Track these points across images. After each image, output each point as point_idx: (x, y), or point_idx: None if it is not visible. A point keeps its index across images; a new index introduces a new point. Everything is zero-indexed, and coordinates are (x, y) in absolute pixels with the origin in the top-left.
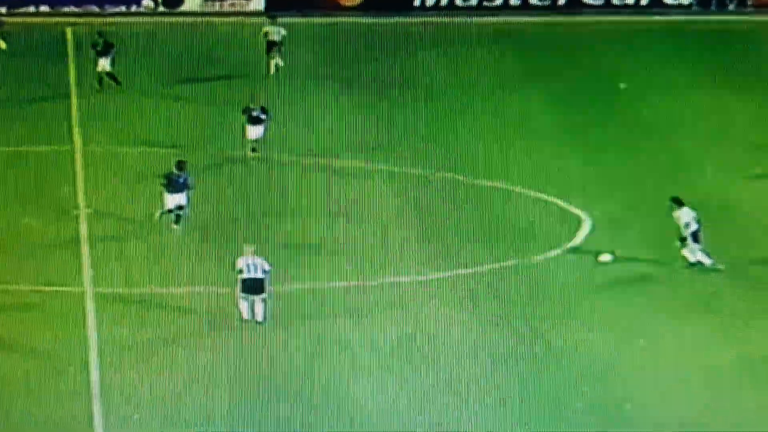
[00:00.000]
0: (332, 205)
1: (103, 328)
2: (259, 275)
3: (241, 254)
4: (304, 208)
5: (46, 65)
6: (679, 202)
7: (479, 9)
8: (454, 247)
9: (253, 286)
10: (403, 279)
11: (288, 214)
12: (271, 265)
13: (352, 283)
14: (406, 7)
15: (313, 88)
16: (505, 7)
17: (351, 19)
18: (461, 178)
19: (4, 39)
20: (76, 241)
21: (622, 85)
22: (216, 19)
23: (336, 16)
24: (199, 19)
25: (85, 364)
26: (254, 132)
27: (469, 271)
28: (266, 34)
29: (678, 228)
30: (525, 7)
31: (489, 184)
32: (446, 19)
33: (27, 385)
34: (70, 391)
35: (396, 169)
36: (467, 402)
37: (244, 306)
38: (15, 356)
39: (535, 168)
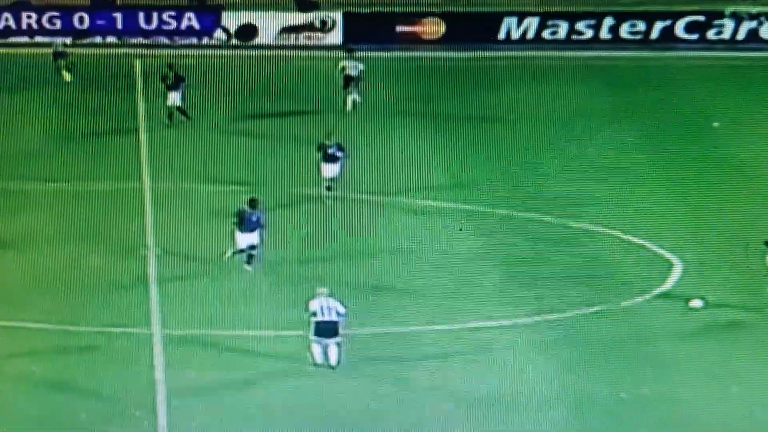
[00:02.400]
0: (410, 246)
1: (171, 372)
2: (333, 318)
3: (315, 296)
4: (380, 249)
5: (113, 98)
6: None
7: (568, 42)
8: (538, 291)
9: (327, 330)
10: (484, 323)
11: (364, 255)
12: (345, 307)
13: (430, 327)
14: (490, 40)
15: (392, 125)
16: (595, 41)
17: (432, 53)
18: (547, 218)
19: (69, 71)
20: (143, 281)
21: (715, 124)
22: (291, 53)
23: (416, 49)
24: (273, 52)
25: (153, 409)
26: (330, 170)
27: (554, 316)
28: (343, 68)
29: None
30: (616, 41)
31: (575, 225)
32: (532, 53)
33: (90, 430)
34: None
35: (478, 209)
36: None
37: (317, 350)
38: (80, 400)
39: (625, 209)
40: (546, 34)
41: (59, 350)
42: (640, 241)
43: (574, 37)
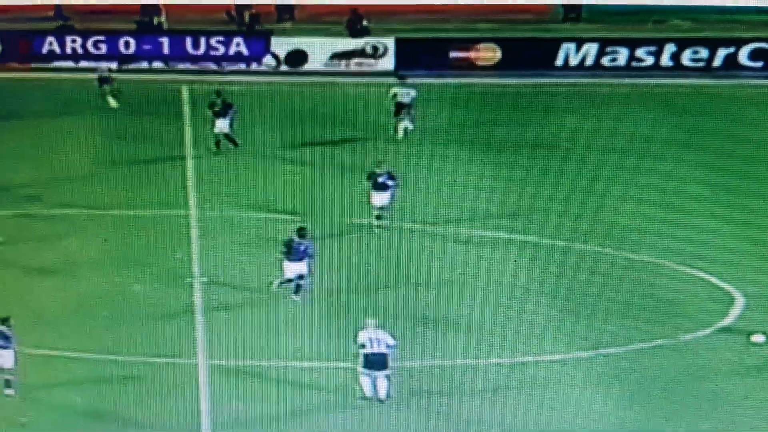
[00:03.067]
0: (463, 277)
1: (216, 403)
2: (383, 350)
3: (364, 328)
4: (432, 280)
5: (159, 125)
6: None
7: (628, 69)
8: (595, 325)
9: (376, 362)
10: (538, 358)
11: (415, 286)
12: (395, 339)
13: (482, 360)
14: (547, 67)
15: (445, 153)
16: (656, 68)
17: (487, 80)
18: (604, 250)
19: (115, 97)
20: (189, 310)
21: None
22: (341, 79)
23: (470, 76)
24: (323, 78)
25: None
26: (380, 199)
27: (611, 350)
28: (395, 95)
29: None
30: (678, 68)
31: (634, 257)
32: (591, 80)
33: None
34: None
35: (534, 240)
36: None
37: (366, 382)
38: (124, 430)
39: (686, 240)
40: (605, 60)
41: (101, 380)
42: (701, 274)
43: (635, 64)
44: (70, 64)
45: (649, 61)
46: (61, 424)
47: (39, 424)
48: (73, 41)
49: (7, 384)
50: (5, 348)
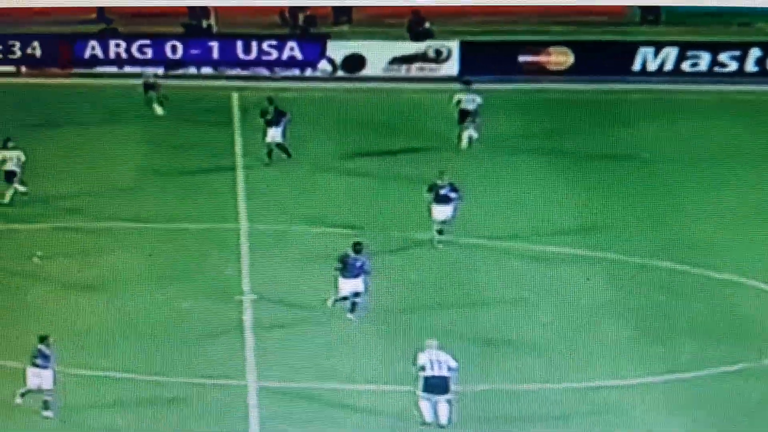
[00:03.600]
0: (531, 296)
1: (266, 427)
2: (444, 373)
3: (424, 349)
4: (497, 299)
5: (208, 134)
6: None
7: (710, 75)
8: (673, 347)
9: (437, 385)
10: (611, 382)
11: (478, 305)
12: (457, 362)
13: (550, 384)
14: (624, 72)
15: (512, 164)
16: (740, 74)
17: (558, 85)
18: (683, 267)
19: (161, 104)
20: (238, 328)
21: None
22: (402, 85)
23: (540, 81)
24: (382, 84)
25: None
26: (442, 212)
27: (690, 374)
28: (459, 101)
29: None
30: (763, 74)
31: (715, 274)
32: (670, 87)
33: None
34: None
35: (607, 256)
36: None
37: (426, 407)
38: None
39: None
40: (686, 65)
41: (145, 402)
42: None
43: (717, 69)
44: (113, 69)
45: (733, 66)
46: None
47: None
48: (117, 45)
49: (46, 405)
50: (44, 368)
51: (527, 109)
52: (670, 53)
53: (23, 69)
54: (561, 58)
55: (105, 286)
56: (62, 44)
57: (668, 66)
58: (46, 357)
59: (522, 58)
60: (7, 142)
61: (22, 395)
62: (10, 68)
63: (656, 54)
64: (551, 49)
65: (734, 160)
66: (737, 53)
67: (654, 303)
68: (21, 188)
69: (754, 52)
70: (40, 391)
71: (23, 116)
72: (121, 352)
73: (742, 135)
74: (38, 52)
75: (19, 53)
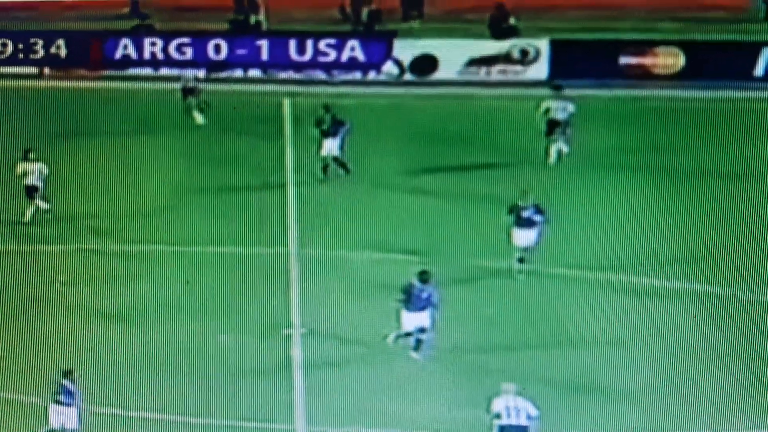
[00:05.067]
0: (625, 335)
1: None
2: (523, 422)
3: (500, 394)
4: (586, 338)
5: (255, 146)
6: None
7: None
8: None
9: None
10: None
11: (564, 345)
12: (538, 410)
13: None
14: (744, 77)
15: (607, 183)
16: None
17: (666, 92)
18: None
19: (202, 111)
20: (286, 367)
21: None
22: (480, 91)
23: (645, 87)
24: (457, 89)
25: None
26: (524, 237)
27: None
28: (548, 110)
29: None
30: None
31: None
32: None
33: None
34: None
35: (717, 291)
36: None
37: None
38: None
39: None
40: None
41: None
42: None
43: None
44: (148, 71)
45: None
46: None
47: None
48: (153, 44)
49: None
50: (68, 405)
51: (628, 119)
52: None
53: (46, 71)
54: (670, 60)
55: (136, 315)
56: (91, 42)
57: None
58: (70, 393)
59: (623, 60)
60: (28, 153)
61: None
62: (32, 70)
63: None
64: (658, 49)
65: None
66: None
67: (758, 340)
68: (43, 205)
69: None
70: (63, 431)
71: (46, 124)
72: (154, 390)
73: None
74: (63, 52)
75: (42, 52)
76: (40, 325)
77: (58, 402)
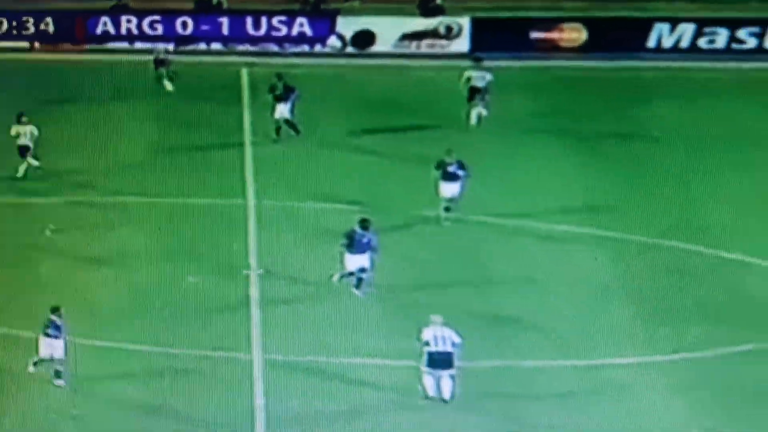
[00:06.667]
0: (535, 274)
1: (271, 400)
2: (448, 348)
3: (429, 325)
4: (503, 277)
5: (217, 110)
6: None
7: (727, 52)
8: (681, 327)
9: (441, 361)
10: (617, 361)
11: (484, 283)
12: (461, 338)
13: (554, 362)
14: (638, 49)
15: (522, 142)
16: (759, 51)
17: (570, 63)
18: (694, 247)
19: (171, 80)
20: (245, 303)
21: None
22: (411, 62)
23: (552, 58)
24: (392, 61)
25: None
26: (449, 190)
27: (697, 354)
28: (469, 79)
29: None
30: None
31: (727, 255)
32: (686, 64)
33: None
34: None
35: (617, 235)
36: None
37: (429, 382)
38: (175, 425)
39: None
40: (702, 42)
41: (155, 374)
42: None
43: (735, 46)
44: (125, 45)
45: (752, 43)
46: (112, 417)
47: (90, 417)
48: (129, 21)
49: (58, 374)
50: (56, 338)
51: (538, 87)
52: (687, 29)
53: (36, 45)
54: (574, 34)
55: (115, 259)
56: (75, 20)
57: (684, 43)
58: (57, 327)
59: (534, 35)
60: (21, 117)
61: (35, 364)
62: (24, 44)
63: (672, 30)
64: (564, 25)
65: (750, 141)
66: (756, 30)
67: (662, 283)
68: (34, 163)
69: None
70: (52, 360)
71: (36, 92)
72: (131, 324)
73: (759, 115)
74: (51, 28)
75: (32, 29)
76: (32, 268)
77: (47, 335)
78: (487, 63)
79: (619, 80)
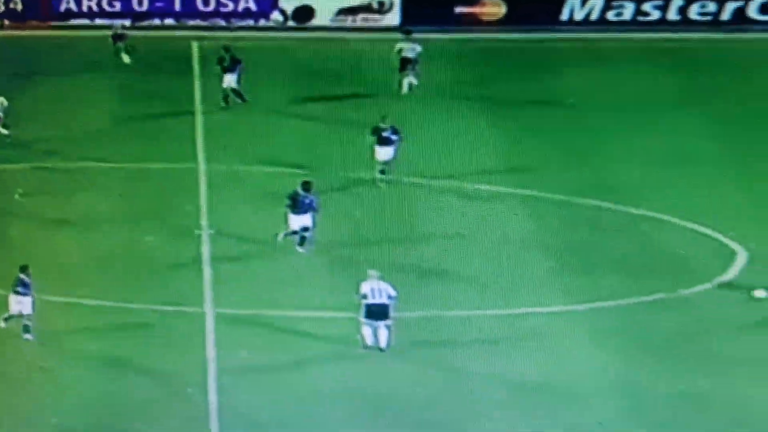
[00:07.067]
0: (463, 230)
1: (222, 351)
2: (384, 301)
3: (366, 279)
4: (433, 233)
5: (171, 81)
6: None
7: (634, 24)
8: (595, 278)
9: (378, 312)
10: (537, 310)
11: (417, 239)
12: (396, 291)
13: (481, 312)
14: (552, 22)
15: (449, 108)
16: (663, 23)
17: (491, 35)
18: (607, 204)
19: (128, 53)
20: (197, 261)
21: None
22: (347, 35)
23: (475, 31)
24: (329, 34)
25: (204, 387)
26: (384, 153)
27: (610, 303)
28: (400, 50)
29: None
30: (685, 23)
31: (637, 211)
32: (596, 35)
33: (144, 406)
34: (187, 414)
35: (535, 194)
36: None
37: (367, 332)
38: (134, 376)
39: (689, 196)
40: (611, 15)
41: (115, 327)
42: (704, 229)
43: (640, 18)
44: (86, 22)
45: (656, 15)
46: (77, 369)
47: (57, 370)
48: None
49: (26, 329)
50: (24, 295)
51: (463, 57)
52: (596, 3)
53: (6, 22)
54: (494, 9)
55: (79, 221)
56: None
57: (594, 15)
58: (26, 285)
59: (458, 10)
60: None
61: (5, 320)
62: None
63: (583, 4)
64: (485, 0)
65: (656, 105)
66: (660, 3)
67: (578, 237)
68: (4, 131)
69: (676, 1)
70: (20, 316)
71: (6, 65)
72: (94, 282)
73: (664, 81)
74: (20, 6)
75: (2, 7)
76: (2, 230)
77: (16, 292)
78: (416, 35)
79: (535, 50)
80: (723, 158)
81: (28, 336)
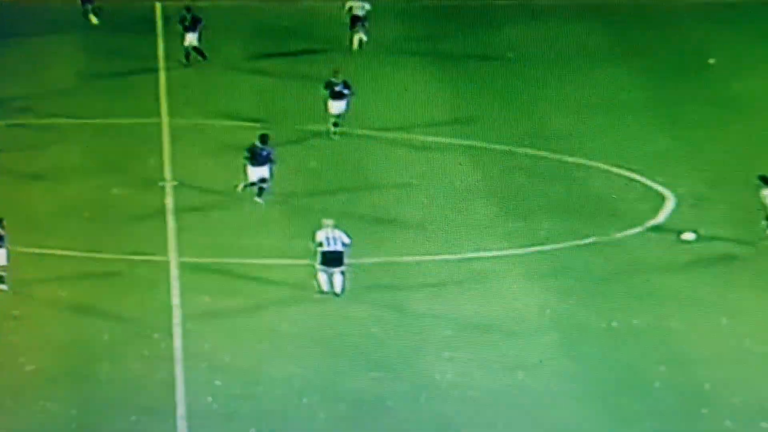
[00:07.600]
0: (412, 180)
1: (186, 297)
2: (339, 248)
3: (321, 227)
4: (384, 183)
5: (135, 40)
6: (766, 181)
7: None
8: (534, 223)
9: (333, 259)
10: (481, 254)
11: (368, 189)
12: (350, 238)
13: (429, 257)
14: None
15: (397, 64)
16: None
17: None
18: (543, 153)
19: (96, 14)
20: (161, 211)
21: (711, 61)
22: None
23: None
24: None
25: (169, 331)
26: (336, 107)
27: (548, 247)
28: (350, 8)
29: (764, 207)
30: None
31: (571, 159)
32: None
33: (112, 350)
34: (153, 357)
35: (477, 144)
36: (540, 377)
37: (323, 278)
38: (102, 322)
39: (620, 144)
40: None
41: (84, 276)
42: (634, 175)
43: None
44: None
45: None
46: (49, 316)
47: (29, 317)
48: None
49: (1, 279)
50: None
51: (409, 15)
52: None
53: None
54: None
55: (49, 175)
56: None
57: None
58: (1, 238)
59: None
60: None
61: None
62: None
63: None
64: None
65: (588, 58)
66: None
67: (516, 185)
68: None
69: None
70: None
71: None
72: (64, 233)
73: (595, 35)
74: None
75: None
76: None
77: None
78: None
79: (476, 8)
80: (652, 108)
81: (2, 286)
